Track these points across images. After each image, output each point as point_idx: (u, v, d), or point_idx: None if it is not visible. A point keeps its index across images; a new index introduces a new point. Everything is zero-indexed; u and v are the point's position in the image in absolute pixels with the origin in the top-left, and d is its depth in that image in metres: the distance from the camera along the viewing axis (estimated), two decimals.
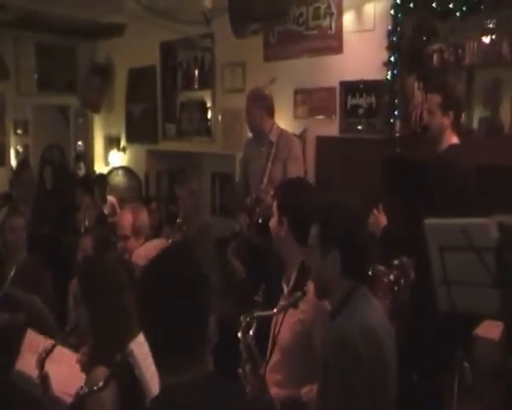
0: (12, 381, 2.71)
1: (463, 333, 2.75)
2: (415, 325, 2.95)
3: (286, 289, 2.36)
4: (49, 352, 2.32)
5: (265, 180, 4.35)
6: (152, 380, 2.08)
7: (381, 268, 3.04)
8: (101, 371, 2.20)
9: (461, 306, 2.44)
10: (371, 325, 1.87)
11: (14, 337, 2.95)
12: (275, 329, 2.35)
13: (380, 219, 3.31)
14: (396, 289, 3.07)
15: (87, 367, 2.43)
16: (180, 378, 1.40)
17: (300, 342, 2.24)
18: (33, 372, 2.39)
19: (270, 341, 2.37)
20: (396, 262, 3.11)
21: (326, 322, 2.05)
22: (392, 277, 3.07)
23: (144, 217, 3.58)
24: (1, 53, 7.19)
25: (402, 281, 3.09)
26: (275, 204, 2.43)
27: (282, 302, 2.27)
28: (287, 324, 2.29)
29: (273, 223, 2.42)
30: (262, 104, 4.42)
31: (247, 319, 1.99)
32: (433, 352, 3.06)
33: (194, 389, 1.40)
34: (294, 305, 2.11)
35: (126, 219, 3.52)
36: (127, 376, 2.12)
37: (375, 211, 3.32)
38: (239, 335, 1.97)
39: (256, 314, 2.03)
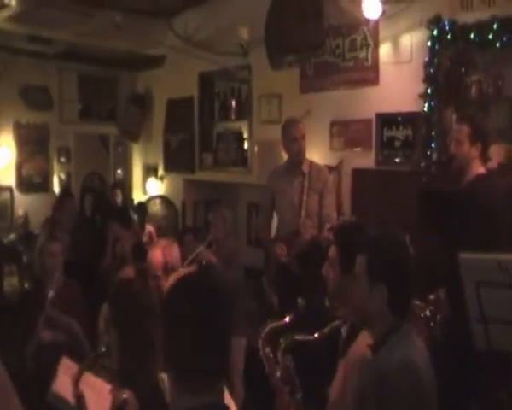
0: (48, 402, 2.74)
1: (506, 373, 2.64)
2: (451, 363, 2.87)
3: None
4: (81, 373, 2.34)
5: (303, 213, 4.36)
6: None
7: (417, 303, 2.97)
8: (127, 394, 2.21)
9: (499, 344, 2.35)
10: (412, 360, 1.84)
11: (54, 357, 2.97)
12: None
13: None
14: (432, 324, 3.00)
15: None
16: (198, 401, 1.42)
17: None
18: (68, 395, 2.41)
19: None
20: (432, 297, 3.05)
21: (363, 363, 2.01)
22: (428, 312, 3.01)
23: (175, 253, 3.55)
24: (46, 84, 7.45)
25: (438, 316, 3.03)
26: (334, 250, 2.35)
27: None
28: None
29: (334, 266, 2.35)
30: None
31: (287, 341, 1.99)
32: (473, 394, 2.96)
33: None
34: (335, 331, 2.09)
35: (157, 258, 3.48)
36: (158, 402, 2.12)
37: None
38: (278, 356, 1.97)
39: (295, 337, 2.03)
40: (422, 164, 4.38)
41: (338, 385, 2.11)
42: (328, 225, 4.01)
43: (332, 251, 2.31)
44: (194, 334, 1.43)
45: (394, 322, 1.91)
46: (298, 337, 2.06)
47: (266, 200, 4.74)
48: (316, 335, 2.13)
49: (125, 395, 2.12)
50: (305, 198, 4.38)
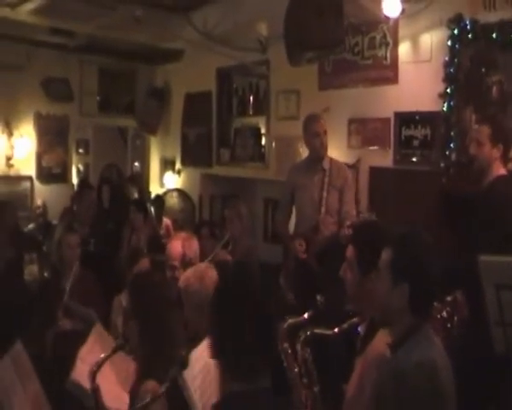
0: (67, 390, 2.80)
1: None
2: (468, 365, 2.87)
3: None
4: (100, 365, 2.39)
5: (323, 210, 4.37)
6: (200, 402, 2.12)
7: (435, 304, 2.98)
8: (151, 385, 2.25)
9: None
10: (432, 360, 1.85)
11: (73, 344, 3.04)
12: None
13: None
14: (449, 326, 3.00)
15: (135, 384, 2.49)
16: (251, 384, 1.50)
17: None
18: (87, 384, 2.46)
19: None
20: (449, 298, 3.04)
21: (381, 362, 2.02)
22: (445, 313, 3.00)
23: (195, 247, 3.57)
24: (66, 76, 7.53)
25: (455, 318, 3.02)
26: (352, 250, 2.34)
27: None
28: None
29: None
30: None
31: (307, 333, 2.01)
32: (489, 397, 2.96)
33: (258, 398, 1.50)
34: (354, 327, 2.12)
35: (176, 250, 3.50)
36: (177, 396, 2.16)
37: None
38: (297, 348, 2.00)
39: (315, 331, 2.05)
40: (442, 164, 4.37)
41: (355, 382, 2.13)
42: (348, 222, 4.01)
43: (350, 252, 2.30)
44: (246, 320, 1.51)
45: (414, 322, 1.92)
46: (317, 331, 2.08)
47: (286, 195, 4.74)
48: (335, 330, 2.15)
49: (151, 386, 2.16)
50: (325, 194, 4.39)
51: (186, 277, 2.85)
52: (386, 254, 1.95)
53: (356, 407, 2.04)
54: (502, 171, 3.29)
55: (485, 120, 3.41)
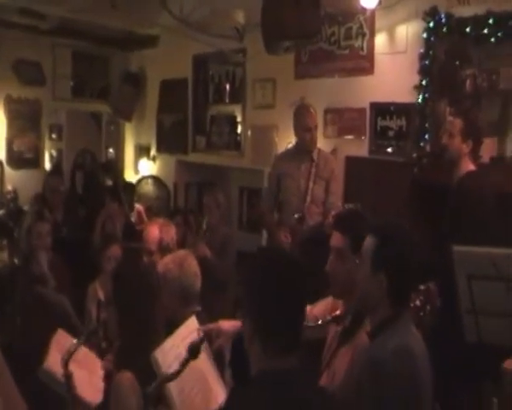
0: (39, 378, 2.77)
1: (492, 365, 2.70)
2: (440, 353, 2.93)
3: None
4: (72, 353, 2.37)
5: (308, 199, 4.39)
6: (175, 388, 2.12)
7: None
8: (126, 377, 2.25)
9: (488, 337, 2.40)
10: (410, 348, 1.88)
11: (43, 337, 3.01)
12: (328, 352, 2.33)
13: None
14: (422, 314, 3.05)
15: (111, 373, 2.48)
16: (282, 363, 1.56)
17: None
18: (59, 371, 2.44)
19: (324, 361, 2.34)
20: (422, 287, 3.09)
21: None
22: (418, 302, 3.06)
23: (172, 234, 3.59)
24: (38, 60, 7.37)
25: (428, 307, 3.08)
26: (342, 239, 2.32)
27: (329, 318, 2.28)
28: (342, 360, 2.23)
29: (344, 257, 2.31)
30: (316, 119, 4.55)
31: None
32: (459, 383, 3.02)
33: (295, 375, 1.57)
34: (338, 321, 2.16)
35: (153, 234, 3.51)
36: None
37: None
38: None
39: None
40: (414, 155, 4.43)
41: (343, 371, 2.15)
42: (333, 212, 4.02)
43: (338, 240, 2.27)
44: (282, 300, 1.57)
45: (393, 312, 1.94)
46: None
47: (271, 183, 4.74)
48: (319, 322, 2.18)
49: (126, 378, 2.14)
50: (311, 185, 4.41)
51: (165, 263, 2.86)
52: (369, 242, 1.97)
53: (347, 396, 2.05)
54: (471, 167, 3.35)
55: (459, 114, 3.45)
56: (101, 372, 2.58)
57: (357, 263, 2.06)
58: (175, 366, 1.95)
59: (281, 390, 1.51)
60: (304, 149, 4.54)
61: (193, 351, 1.91)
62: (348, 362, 2.14)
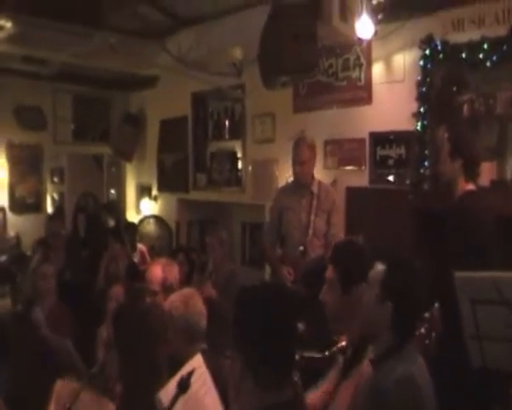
0: None
1: (500, 390, 2.64)
2: (446, 378, 2.86)
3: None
4: (74, 399, 2.32)
5: (311, 232, 4.36)
6: None
7: None
8: None
9: (493, 362, 2.35)
10: (412, 377, 1.85)
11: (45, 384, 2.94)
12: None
13: None
14: (427, 342, 2.99)
15: None
16: (278, 398, 1.56)
17: None
18: None
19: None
20: (427, 315, 3.04)
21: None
22: (423, 330, 3.00)
23: (175, 273, 3.57)
24: (39, 104, 7.46)
25: (433, 334, 3.02)
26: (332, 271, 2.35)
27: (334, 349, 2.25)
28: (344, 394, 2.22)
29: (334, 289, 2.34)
30: (314, 153, 4.53)
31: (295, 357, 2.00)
32: (468, 408, 2.95)
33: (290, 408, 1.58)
34: (344, 352, 2.14)
35: (156, 274, 3.49)
36: None
37: None
38: None
39: (304, 355, 2.07)
40: (407, 181, 4.41)
41: (345, 405, 2.10)
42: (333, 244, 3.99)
43: (329, 272, 2.31)
44: (271, 334, 1.59)
45: (397, 340, 1.92)
46: (306, 355, 2.08)
47: (273, 218, 4.69)
48: (326, 353, 2.14)
49: None
50: (313, 218, 4.38)
51: (171, 300, 2.84)
52: (377, 269, 1.97)
53: None
54: (470, 186, 3.30)
55: (448, 134, 3.42)
56: None
57: (343, 296, 2.14)
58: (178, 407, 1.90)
59: None
60: (299, 183, 4.53)
61: (182, 386, 1.90)
62: (350, 395, 2.10)
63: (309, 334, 2.38)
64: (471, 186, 3.29)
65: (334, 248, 2.55)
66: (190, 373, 1.97)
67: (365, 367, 2.06)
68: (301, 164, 4.45)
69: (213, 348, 2.77)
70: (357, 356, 2.14)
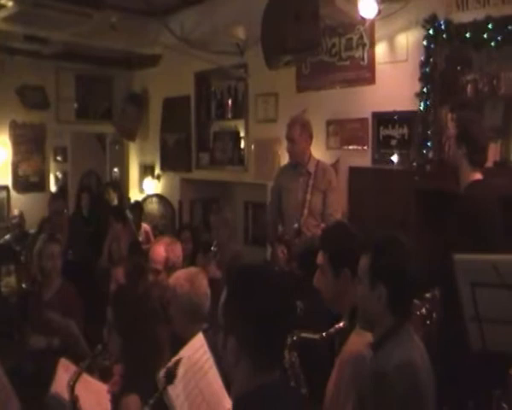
0: (46, 405, 2.75)
1: (501, 372, 2.66)
2: (447, 361, 2.89)
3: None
4: (78, 376, 2.34)
5: (306, 212, 4.37)
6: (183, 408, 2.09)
7: (414, 301, 2.99)
8: (132, 400, 2.22)
9: (493, 344, 2.37)
10: (412, 360, 1.87)
11: (50, 362, 2.99)
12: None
13: None
14: (428, 322, 3.02)
15: (118, 396, 2.46)
16: (271, 377, 1.57)
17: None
18: (66, 396, 2.42)
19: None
20: (428, 295, 3.06)
21: (357, 361, 2.03)
22: (424, 310, 3.03)
23: (178, 252, 3.54)
24: (42, 84, 7.44)
25: (434, 315, 3.04)
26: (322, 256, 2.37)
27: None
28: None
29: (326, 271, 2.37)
30: (307, 133, 4.49)
31: (294, 337, 2.03)
32: (468, 391, 2.98)
33: (280, 388, 1.60)
34: (341, 333, 2.15)
35: (159, 253, 3.46)
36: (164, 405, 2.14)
37: None
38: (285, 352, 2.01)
39: (302, 335, 2.10)
40: (414, 163, 4.40)
41: (332, 383, 2.14)
42: (322, 225, 4.01)
43: (320, 258, 2.33)
44: (265, 316, 1.57)
45: (395, 322, 1.94)
46: (304, 335, 2.10)
47: (274, 197, 4.75)
48: (323, 334, 2.17)
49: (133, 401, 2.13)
50: (308, 197, 4.39)
51: (177, 277, 2.83)
52: (363, 261, 2.00)
53: (334, 407, 2.05)
54: (474, 174, 3.27)
55: (453, 119, 3.39)
56: (107, 396, 2.56)
57: (335, 280, 2.18)
58: (181, 385, 1.93)
59: (274, 404, 1.53)
60: (294, 162, 4.54)
61: (168, 377, 1.90)
62: (335, 374, 2.15)
63: (306, 314, 2.42)
64: (477, 175, 3.23)
65: (322, 234, 2.58)
66: (177, 363, 1.98)
67: (349, 345, 2.10)
68: (292, 141, 4.46)
69: (215, 328, 2.79)
70: (347, 334, 2.17)
